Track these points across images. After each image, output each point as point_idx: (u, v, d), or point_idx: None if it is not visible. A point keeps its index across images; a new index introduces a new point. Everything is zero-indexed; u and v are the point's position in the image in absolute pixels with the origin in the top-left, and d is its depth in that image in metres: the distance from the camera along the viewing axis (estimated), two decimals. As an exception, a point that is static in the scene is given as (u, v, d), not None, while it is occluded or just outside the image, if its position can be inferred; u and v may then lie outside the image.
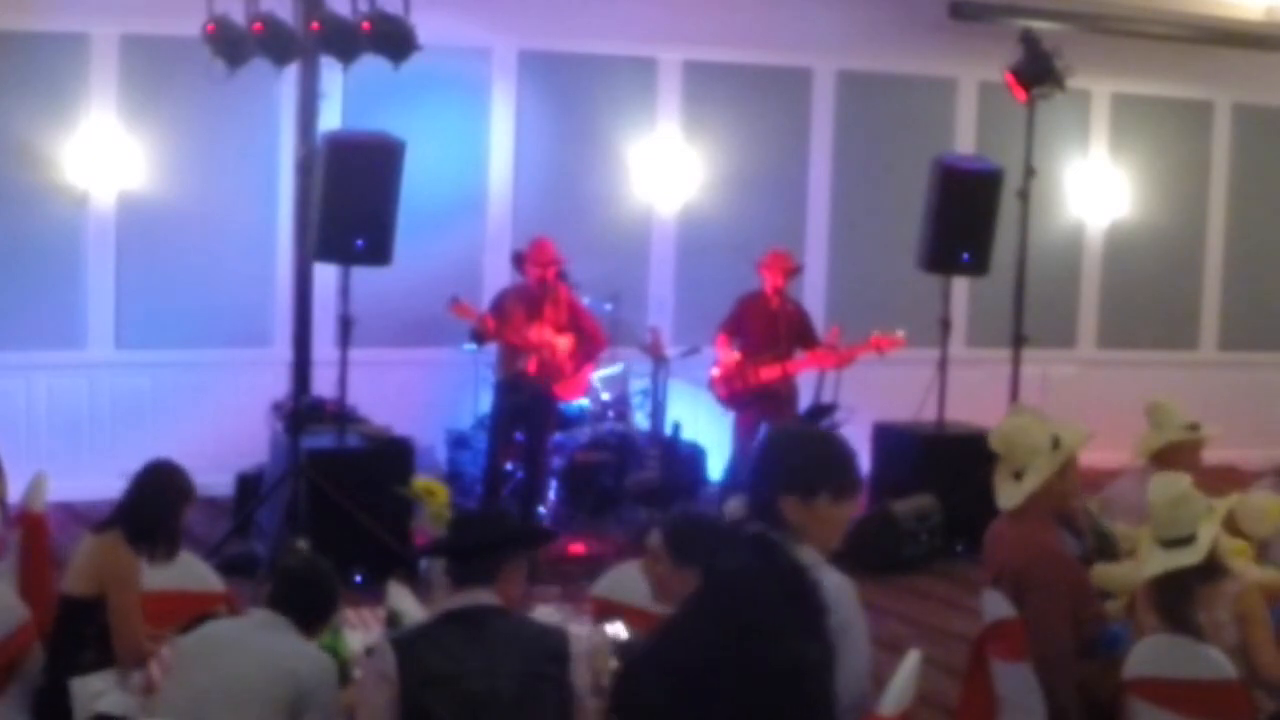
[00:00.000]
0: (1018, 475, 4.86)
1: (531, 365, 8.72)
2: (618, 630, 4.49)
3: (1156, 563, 4.50)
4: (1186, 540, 4.47)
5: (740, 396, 9.16)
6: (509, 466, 9.07)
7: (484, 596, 3.62)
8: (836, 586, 4.54)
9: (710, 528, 4.11)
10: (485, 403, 9.57)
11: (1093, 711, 4.66)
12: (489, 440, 9.06)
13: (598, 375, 9.49)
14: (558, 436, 9.23)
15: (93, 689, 4.30)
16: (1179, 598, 4.43)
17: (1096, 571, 5.16)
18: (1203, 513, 4.54)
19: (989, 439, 5.04)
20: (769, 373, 9.05)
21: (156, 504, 4.80)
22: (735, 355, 9.12)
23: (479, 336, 8.85)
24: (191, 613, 4.62)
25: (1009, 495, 4.87)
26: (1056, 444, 4.83)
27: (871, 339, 9.07)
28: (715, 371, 9.24)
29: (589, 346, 8.95)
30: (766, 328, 9.06)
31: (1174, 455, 5.80)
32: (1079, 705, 4.66)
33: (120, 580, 4.63)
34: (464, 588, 3.65)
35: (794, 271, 9.23)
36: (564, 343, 8.80)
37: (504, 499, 8.89)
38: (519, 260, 8.93)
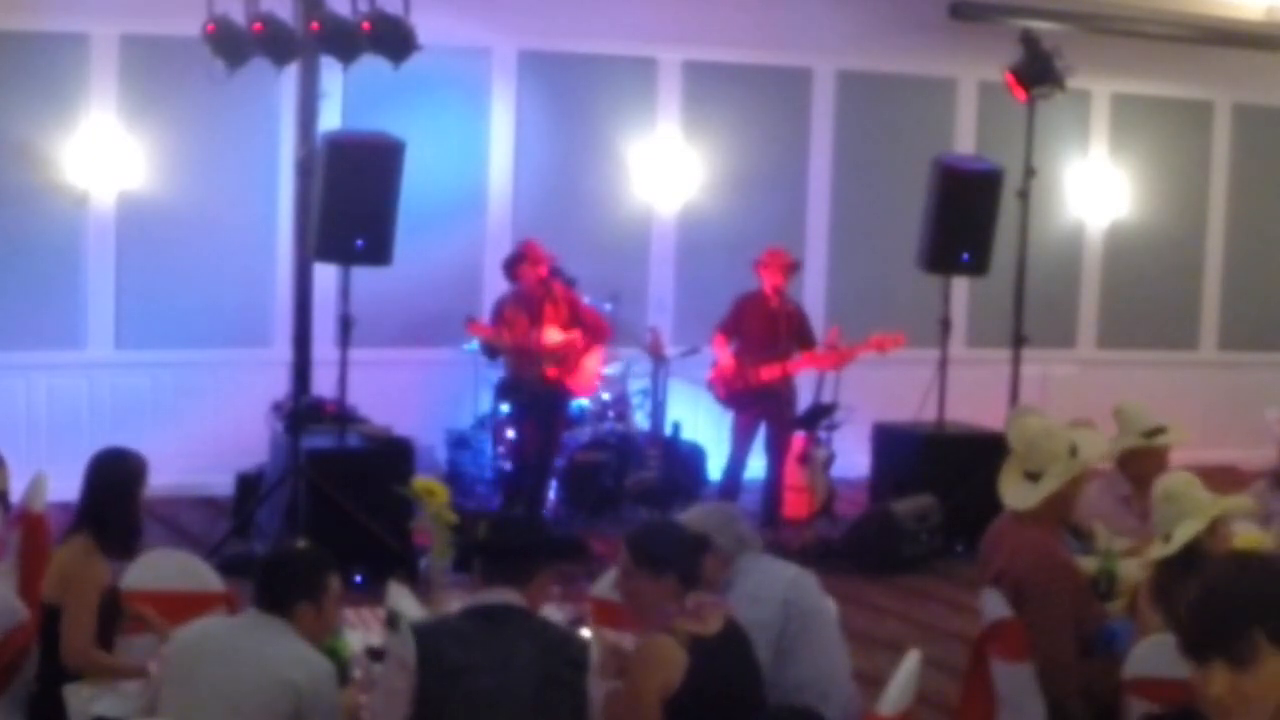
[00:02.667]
0: (1031, 476, 4.85)
1: (548, 370, 8.72)
2: (621, 639, 4.45)
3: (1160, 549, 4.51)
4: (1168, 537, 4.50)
5: (739, 396, 9.15)
6: (507, 466, 9.07)
7: (511, 596, 3.64)
8: (794, 577, 4.60)
9: (670, 532, 4.13)
10: (485, 403, 9.57)
11: (1093, 710, 4.67)
12: (517, 437, 9.00)
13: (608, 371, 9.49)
14: (557, 436, 9.23)
15: (85, 694, 4.29)
16: (1179, 598, 4.40)
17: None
18: (1188, 512, 4.51)
19: (1008, 433, 5.03)
20: (768, 372, 9.04)
21: (109, 495, 4.70)
22: (732, 355, 9.11)
23: (493, 351, 8.84)
24: (192, 613, 4.60)
25: (1021, 496, 4.86)
26: (1074, 452, 4.84)
27: (872, 338, 9.05)
28: (713, 371, 9.24)
29: (595, 337, 8.94)
30: (765, 327, 9.05)
31: (1137, 460, 5.73)
32: (1081, 707, 4.66)
33: (75, 584, 4.49)
34: (493, 585, 3.66)
35: (792, 268, 9.21)
36: (564, 337, 8.81)
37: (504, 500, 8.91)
38: (511, 265, 8.87)
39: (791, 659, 4.42)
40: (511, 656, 3.53)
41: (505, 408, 9.23)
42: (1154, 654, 4.32)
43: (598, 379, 9.19)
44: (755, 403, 9.12)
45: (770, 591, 4.47)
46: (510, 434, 9.12)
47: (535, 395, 8.74)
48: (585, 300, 9.19)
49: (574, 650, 3.66)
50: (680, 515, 4.79)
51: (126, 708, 4.13)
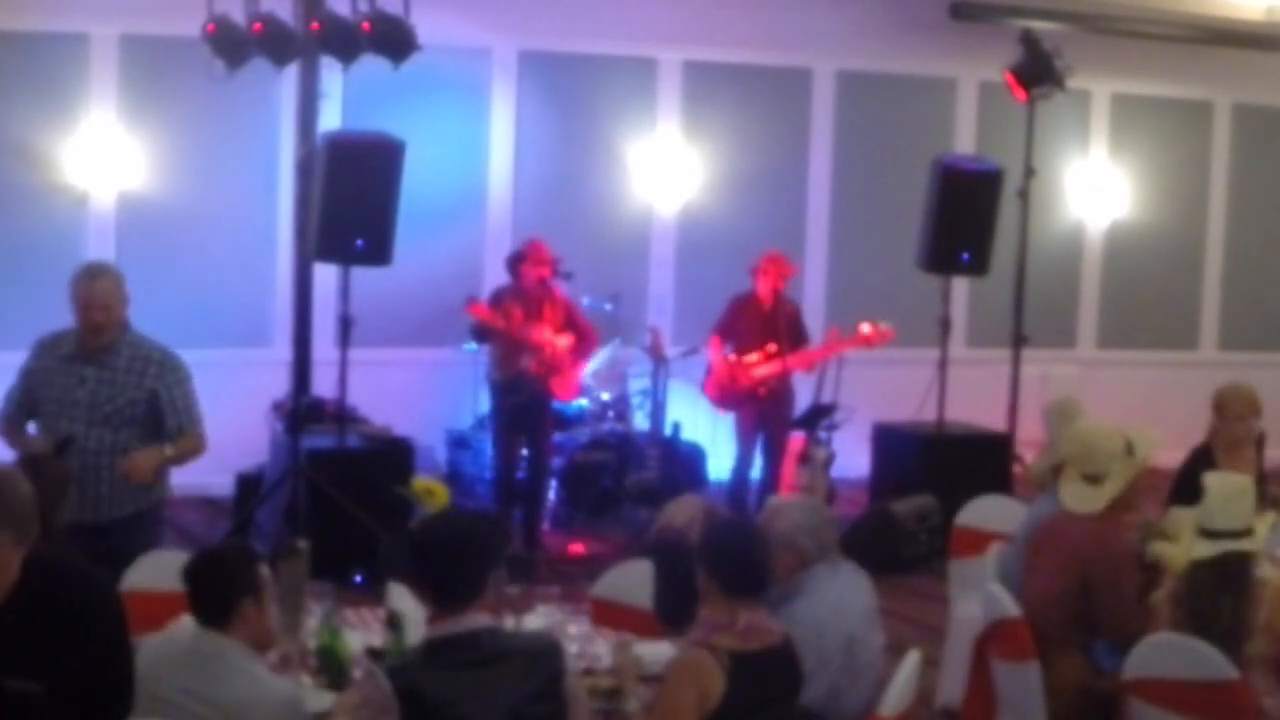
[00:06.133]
0: (1089, 479, 4.87)
1: (533, 365, 8.69)
2: (650, 650, 4.33)
3: (1207, 548, 4.36)
4: (1240, 534, 4.38)
5: (732, 397, 9.10)
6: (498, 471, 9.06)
7: (477, 619, 3.55)
8: (854, 578, 4.59)
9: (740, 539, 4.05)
10: (485, 403, 9.56)
11: (1094, 710, 4.66)
12: (496, 445, 9.01)
13: (592, 367, 9.46)
14: (558, 436, 9.21)
15: None
16: (1207, 604, 4.33)
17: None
18: (1255, 511, 4.47)
19: (1051, 432, 5.03)
20: (760, 372, 9.00)
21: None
22: (727, 356, 9.08)
23: (484, 335, 8.80)
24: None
25: (1084, 499, 4.87)
26: (1130, 450, 4.85)
27: (859, 333, 8.99)
28: (706, 374, 9.18)
29: (584, 345, 8.93)
30: (760, 328, 9.00)
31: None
32: (1081, 705, 4.66)
33: None
34: (452, 612, 3.53)
35: (791, 276, 9.18)
36: (564, 341, 8.79)
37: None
38: (516, 262, 8.86)
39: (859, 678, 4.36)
40: (492, 684, 3.46)
41: (486, 407, 9.22)
42: (1154, 654, 4.33)
43: (579, 386, 9.16)
44: (754, 402, 9.09)
45: (853, 602, 4.44)
46: (498, 434, 9.07)
47: (527, 394, 8.70)
48: (582, 303, 9.18)
49: (552, 662, 3.61)
50: (775, 502, 4.73)
51: None
